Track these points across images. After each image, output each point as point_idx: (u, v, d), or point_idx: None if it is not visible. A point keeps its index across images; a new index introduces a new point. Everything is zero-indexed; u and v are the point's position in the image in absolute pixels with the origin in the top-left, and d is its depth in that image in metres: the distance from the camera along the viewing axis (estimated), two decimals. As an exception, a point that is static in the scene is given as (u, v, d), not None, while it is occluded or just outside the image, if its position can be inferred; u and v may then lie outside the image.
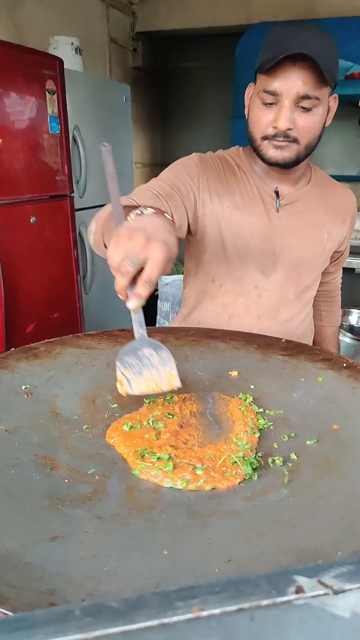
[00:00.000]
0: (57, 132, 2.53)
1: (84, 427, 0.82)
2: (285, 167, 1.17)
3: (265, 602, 0.32)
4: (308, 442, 0.77)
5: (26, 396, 0.87)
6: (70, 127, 2.69)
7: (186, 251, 1.35)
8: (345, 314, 2.61)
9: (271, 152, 1.15)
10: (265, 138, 1.15)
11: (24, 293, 2.36)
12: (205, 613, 0.31)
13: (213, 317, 1.29)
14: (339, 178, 3.89)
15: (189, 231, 1.24)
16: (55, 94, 2.49)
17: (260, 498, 0.65)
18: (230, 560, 0.53)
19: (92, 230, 1.04)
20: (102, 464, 0.73)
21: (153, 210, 0.82)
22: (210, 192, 1.22)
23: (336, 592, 0.32)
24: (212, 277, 1.29)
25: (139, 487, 0.68)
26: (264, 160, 1.18)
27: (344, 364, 0.95)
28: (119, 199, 0.76)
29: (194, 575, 0.51)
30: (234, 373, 0.97)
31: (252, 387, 0.93)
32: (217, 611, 0.32)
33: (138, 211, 0.81)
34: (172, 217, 1.11)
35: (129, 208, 0.86)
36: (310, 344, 1.40)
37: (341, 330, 2.35)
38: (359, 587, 0.33)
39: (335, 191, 1.36)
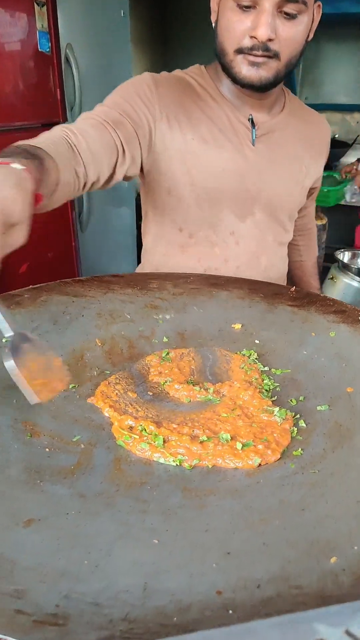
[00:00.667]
0: (48, 50, 2.32)
1: (70, 387, 0.74)
2: (261, 89, 0.99)
3: (277, 667, 0.24)
4: (319, 408, 0.69)
5: (7, 350, 0.78)
6: (63, 45, 2.47)
7: (142, 193, 1.17)
8: (354, 256, 2.49)
9: (246, 69, 0.96)
10: (239, 51, 0.95)
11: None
12: None
13: (186, 271, 1.13)
14: (352, 107, 3.64)
15: (142, 169, 1.07)
16: (45, 7, 2.26)
17: (264, 474, 0.58)
18: (230, 553, 0.47)
19: None
20: (89, 429, 0.66)
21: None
22: (169, 121, 1.03)
23: (370, 652, 0.25)
24: (179, 225, 1.12)
25: (128, 459, 0.61)
26: (236, 80, 0.99)
27: None
28: None
29: (187, 572, 0.44)
30: (237, 326, 0.88)
31: (256, 342, 0.85)
32: None
33: None
34: (124, 151, 0.96)
35: (14, 149, 0.70)
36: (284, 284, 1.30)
37: (349, 273, 2.25)
38: None
39: (312, 120, 1.19)
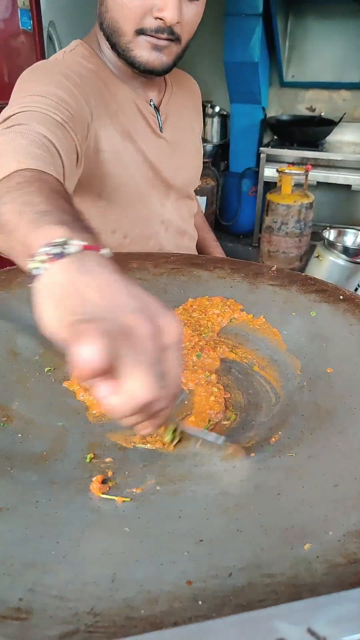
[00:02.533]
0: (29, 28, 2.26)
1: (46, 370, 0.72)
2: (160, 74, 0.92)
3: (234, 668, 0.23)
4: (297, 389, 0.68)
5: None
6: (45, 23, 2.41)
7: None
8: (340, 234, 2.48)
9: (147, 54, 0.87)
10: (141, 32, 0.85)
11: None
12: None
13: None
14: (339, 85, 3.60)
15: None
16: (25, -18, 2.19)
17: (241, 458, 0.57)
18: (203, 540, 0.45)
19: None
20: (64, 413, 0.64)
21: (80, 242, 0.42)
22: (99, 119, 0.90)
23: (332, 650, 0.23)
24: (111, 228, 1.03)
25: (102, 443, 0.59)
26: (135, 64, 0.89)
27: (341, 297, 0.84)
28: None
29: (158, 561, 0.43)
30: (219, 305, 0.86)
31: (235, 319, 0.83)
32: None
33: (55, 248, 0.41)
34: (80, 160, 0.81)
35: (37, 186, 0.53)
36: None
37: (335, 251, 2.24)
38: (363, 639, 0.24)
39: (185, 82, 1.16)
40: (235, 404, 0.66)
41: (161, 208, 1.09)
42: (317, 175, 3.11)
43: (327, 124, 3.30)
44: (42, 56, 2.32)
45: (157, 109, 1.02)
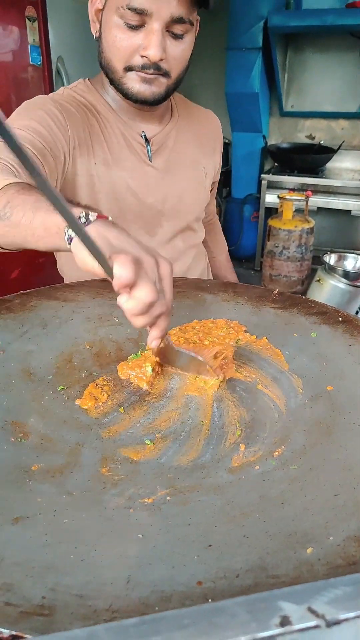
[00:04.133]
0: (39, 63, 2.35)
1: (59, 388, 0.76)
2: (153, 104, 0.99)
3: (243, 638, 0.26)
4: (299, 406, 0.71)
5: (-4, 355, 0.80)
6: (53, 58, 2.50)
7: None
8: (340, 259, 2.52)
9: (138, 86, 0.95)
10: (129, 69, 0.94)
11: (7, 238, 2.25)
12: (168, 655, 0.25)
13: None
14: (337, 115, 3.70)
15: None
16: (36, 22, 2.29)
17: (246, 470, 0.60)
18: (211, 545, 0.48)
19: None
20: (77, 429, 0.68)
21: (93, 212, 0.64)
22: (80, 147, 1.00)
23: (329, 624, 0.27)
24: None
25: (115, 457, 0.63)
26: (128, 96, 0.98)
27: (340, 318, 0.88)
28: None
29: (169, 565, 0.46)
30: (223, 328, 0.90)
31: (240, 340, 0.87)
32: (183, 652, 0.26)
33: (82, 218, 0.63)
34: None
35: (36, 190, 0.70)
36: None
37: (336, 275, 2.28)
38: (357, 616, 0.27)
39: (200, 118, 1.20)
40: (240, 420, 0.69)
41: (146, 235, 1.12)
42: (318, 201, 3.18)
43: (327, 152, 3.38)
44: (51, 89, 2.41)
45: (147, 140, 1.07)
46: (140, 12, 0.87)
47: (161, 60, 0.91)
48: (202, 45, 4.50)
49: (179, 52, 0.94)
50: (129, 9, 0.87)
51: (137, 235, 1.08)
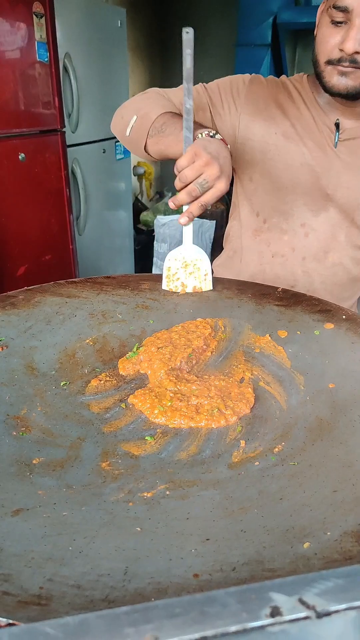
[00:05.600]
0: (46, 60, 2.35)
1: (62, 384, 0.76)
2: (348, 97, 1.05)
3: (233, 628, 0.26)
4: (301, 403, 0.71)
5: (1, 349, 0.81)
6: (61, 54, 2.49)
7: (233, 181, 1.24)
8: None
9: (335, 79, 1.03)
10: (329, 62, 1.02)
11: (14, 235, 2.26)
12: (158, 643, 0.26)
13: (255, 255, 1.22)
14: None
15: None
16: (44, 18, 2.29)
17: (246, 466, 0.60)
18: (209, 539, 0.49)
19: (131, 123, 1.09)
20: (79, 424, 0.68)
21: (220, 136, 0.92)
22: (254, 115, 1.14)
23: (320, 616, 0.27)
24: (256, 210, 1.22)
25: (115, 452, 0.63)
26: (326, 88, 1.06)
27: (343, 316, 0.88)
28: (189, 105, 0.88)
29: (167, 557, 0.46)
30: (227, 326, 0.90)
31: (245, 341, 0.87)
32: (173, 640, 0.26)
33: (211, 132, 0.92)
34: None
35: (169, 115, 1.04)
36: (355, 300, 1.32)
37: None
38: (348, 608, 0.28)
39: None
40: (241, 416, 0.69)
41: (309, 212, 1.16)
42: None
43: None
44: (58, 86, 2.41)
45: (338, 128, 1.12)
46: (344, 9, 0.95)
47: (357, 53, 0.97)
48: (212, 42, 4.50)
49: None
50: (335, 7, 0.96)
51: (301, 211, 1.17)
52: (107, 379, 0.77)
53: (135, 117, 1.08)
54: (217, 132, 0.95)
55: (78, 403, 0.72)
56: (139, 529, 0.50)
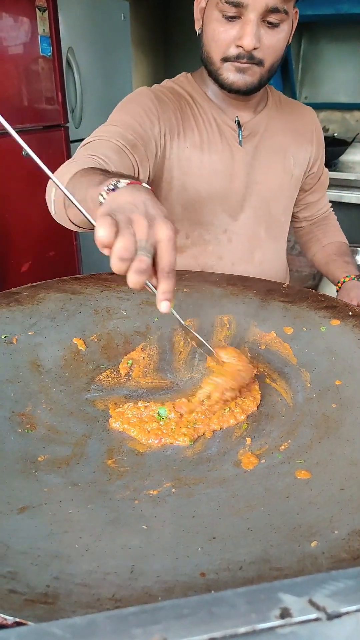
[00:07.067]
0: (49, 54, 2.34)
1: (67, 380, 0.76)
2: (247, 93, 1.03)
3: (242, 629, 0.26)
4: (307, 400, 0.71)
5: (6, 346, 0.80)
6: (64, 49, 2.49)
7: None
8: (353, 253, 2.50)
9: (232, 76, 1.00)
10: (226, 60, 0.99)
11: (17, 230, 2.26)
12: (166, 644, 0.25)
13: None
14: (352, 106, 3.65)
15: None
16: (46, 12, 2.28)
17: (252, 463, 0.60)
18: (215, 537, 0.48)
19: (52, 198, 0.89)
20: (84, 421, 0.68)
21: (127, 180, 0.66)
22: (171, 133, 1.07)
23: (330, 617, 0.26)
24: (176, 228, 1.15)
25: (121, 449, 0.63)
26: (223, 86, 1.03)
27: (350, 313, 0.88)
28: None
29: (173, 556, 0.46)
30: (232, 322, 0.90)
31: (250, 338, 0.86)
32: (181, 642, 0.26)
33: (110, 185, 0.65)
34: (138, 173, 0.99)
35: (93, 171, 0.75)
36: (287, 282, 1.30)
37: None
38: (359, 609, 0.27)
39: (294, 110, 1.22)
40: (249, 414, 0.69)
41: (229, 218, 1.15)
42: (331, 194, 3.13)
43: (341, 144, 3.34)
44: (61, 81, 2.40)
45: (239, 125, 1.11)
46: (237, 5, 0.91)
47: (255, 49, 0.95)
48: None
49: (274, 41, 0.96)
50: (227, 2, 0.92)
51: (221, 218, 1.14)
52: (112, 375, 0.77)
53: (54, 190, 0.89)
54: (119, 179, 0.67)
55: (83, 400, 0.72)
56: (145, 527, 0.50)
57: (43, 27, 2.28)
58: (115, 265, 0.56)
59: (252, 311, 0.91)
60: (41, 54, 2.29)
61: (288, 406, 0.71)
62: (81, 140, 2.68)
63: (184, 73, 1.17)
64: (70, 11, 2.53)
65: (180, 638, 0.26)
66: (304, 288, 0.97)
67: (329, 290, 2.21)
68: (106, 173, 0.74)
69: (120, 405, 0.69)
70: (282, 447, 0.62)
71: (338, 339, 0.81)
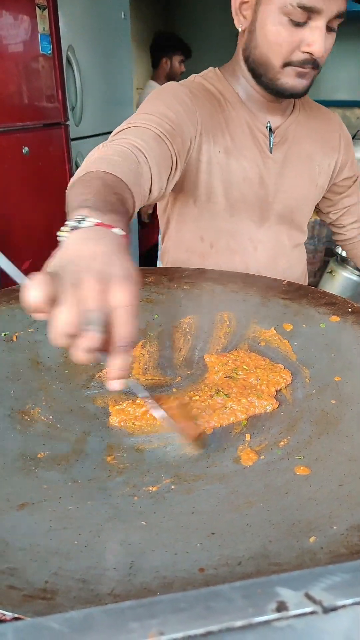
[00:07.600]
0: (49, 52, 2.34)
1: (66, 378, 0.76)
2: (300, 96, 1.01)
3: (239, 623, 0.26)
4: (306, 396, 0.71)
5: (5, 343, 0.81)
6: (64, 47, 2.48)
7: (166, 201, 1.16)
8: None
9: (292, 80, 0.96)
10: (288, 64, 0.95)
11: (18, 229, 2.26)
12: (164, 638, 0.25)
13: None
14: (353, 103, 3.66)
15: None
16: (46, 10, 2.28)
17: (252, 459, 0.60)
18: (214, 533, 0.48)
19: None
20: (84, 418, 0.68)
21: (96, 219, 0.54)
22: (206, 133, 1.02)
23: (326, 611, 0.27)
24: (199, 234, 1.13)
25: (120, 446, 0.63)
26: (279, 91, 0.99)
27: (349, 309, 0.88)
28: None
29: (172, 551, 0.46)
30: (232, 319, 0.90)
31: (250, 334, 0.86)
32: (179, 635, 0.26)
33: (74, 222, 0.54)
34: (176, 166, 0.91)
35: (89, 182, 0.66)
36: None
37: (348, 267, 2.26)
38: (355, 603, 0.27)
39: (320, 115, 1.19)
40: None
41: (254, 226, 1.13)
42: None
43: (341, 142, 3.34)
44: (61, 79, 2.40)
45: (271, 131, 1.08)
46: (311, 10, 0.88)
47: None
48: (217, 34, 4.47)
49: (330, 44, 0.95)
50: (300, 6, 0.88)
51: (246, 224, 1.10)
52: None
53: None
54: (84, 217, 0.55)
55: (83, 397, 0.72)
56: (144, 523, 0.50)
57: (43, 26, 2.27)
58: (56, 340, 0.46)
59: (252, 308, 0.91)
60: (41, 52, 2.28)
61: (287, 402, 0.71)
62: (82, 138, 2.69)
63: (211, 68, 1.12)
64: (70, 9, 2.52)
65: (177, 632, 0.26)
66: (303, 285, 0.97)
67: (330, 287, 2.21)
68: (99, 190, 0.64)
69: (120, 402, 0.69)
70: (282, 443, 0.62)
71: (338, 336, 0.81)
